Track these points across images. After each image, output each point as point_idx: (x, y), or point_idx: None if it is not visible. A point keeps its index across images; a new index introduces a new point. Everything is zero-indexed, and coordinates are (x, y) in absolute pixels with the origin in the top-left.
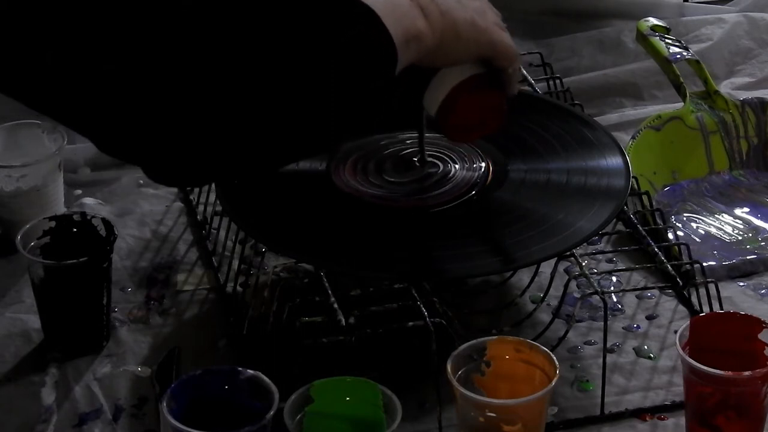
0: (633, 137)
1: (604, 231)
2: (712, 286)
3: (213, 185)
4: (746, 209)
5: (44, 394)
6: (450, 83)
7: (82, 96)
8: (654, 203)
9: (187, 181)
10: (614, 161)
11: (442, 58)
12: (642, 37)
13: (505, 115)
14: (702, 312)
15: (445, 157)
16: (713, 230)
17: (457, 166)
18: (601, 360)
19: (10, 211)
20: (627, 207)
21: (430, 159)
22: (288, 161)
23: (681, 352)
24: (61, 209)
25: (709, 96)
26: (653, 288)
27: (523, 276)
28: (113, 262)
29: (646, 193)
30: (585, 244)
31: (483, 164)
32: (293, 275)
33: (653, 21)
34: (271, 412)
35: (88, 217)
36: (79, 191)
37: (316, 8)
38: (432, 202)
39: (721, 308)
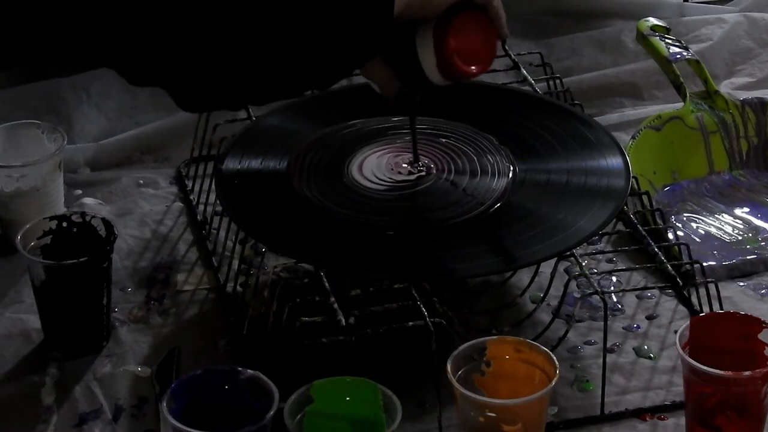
0: (633, 137)
1: (604, 231)
2: (712, 286)
3: (213, 185)
4: (746, 209)
5: (44, 394)
6: (432, 23)
7: (109, 35)
8: (654, 203)
9: (211, 104)
10: (614, 161)
11: (427, 6)
12: (642, 37)
13: (495, 32)
14: (702, 312)
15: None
16: (713, 230)
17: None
18: (601, 360)
19: (10, 211)
20: (627, 207)
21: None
22: (291, 91)
23: (681, 352)
24: (61, 209)
25: (709, 96)
26: (653, 288)
27: (523, 276)
28: (113, 262)
29: (646, 193)
30: (585, 244)
31: (510, 166)
32: (293, 275)
33: (653, 21)
34: (271, 412)
35: (88, 218)
36: (79, 191)
37: None
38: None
39: (721, 308)
